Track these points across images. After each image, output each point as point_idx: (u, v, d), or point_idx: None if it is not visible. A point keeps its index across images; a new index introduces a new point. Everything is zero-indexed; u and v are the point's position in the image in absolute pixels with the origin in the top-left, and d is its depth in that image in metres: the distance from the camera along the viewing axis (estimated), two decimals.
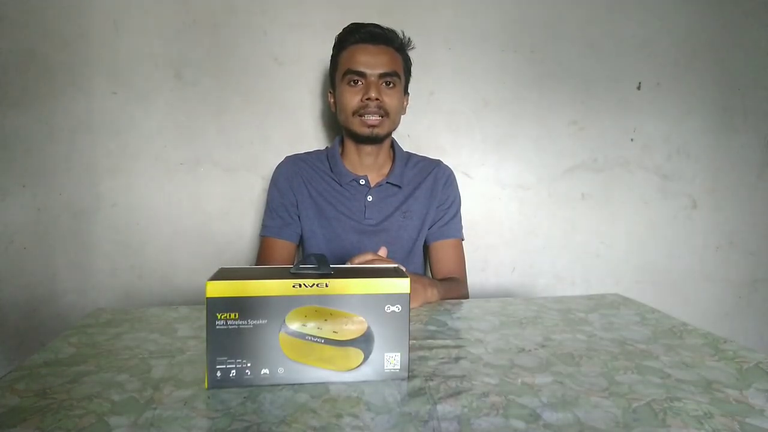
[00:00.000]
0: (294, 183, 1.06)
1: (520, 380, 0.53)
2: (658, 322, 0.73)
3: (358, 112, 0.99)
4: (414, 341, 0.64)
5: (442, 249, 1.08)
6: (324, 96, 1.28)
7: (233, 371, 0.50)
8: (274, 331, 0.50)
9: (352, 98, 0.99)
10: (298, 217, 1.07)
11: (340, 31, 1.03)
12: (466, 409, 0.46)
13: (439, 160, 1.14)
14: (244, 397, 0.48)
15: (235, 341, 0.50)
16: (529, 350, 0.62)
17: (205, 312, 0.49)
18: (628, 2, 1.37)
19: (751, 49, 1.43)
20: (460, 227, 1.11)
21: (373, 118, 0.99)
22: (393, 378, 0.52)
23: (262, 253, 1.06)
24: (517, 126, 1.36)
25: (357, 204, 1.05)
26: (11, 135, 1.17)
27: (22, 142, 1.18)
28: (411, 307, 0.71)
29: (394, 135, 1.12)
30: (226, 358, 0.50)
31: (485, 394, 0.49)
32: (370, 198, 1.05)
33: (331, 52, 1.06)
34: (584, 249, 1.43)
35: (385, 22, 1.02)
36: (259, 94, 1.25)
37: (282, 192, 1.06)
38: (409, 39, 1.05)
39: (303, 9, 1.24)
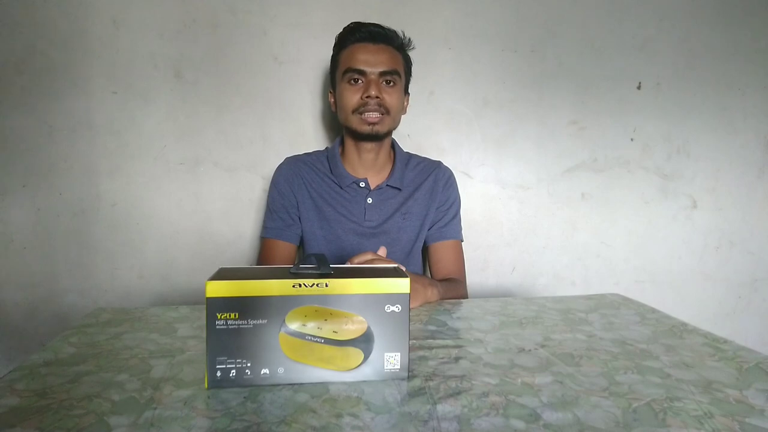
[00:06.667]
0: (294, 184, 1.06)
1: (520, 380, 0.53)
2: (658, 322, 0.73)
3: (358, 110, 0.99)
4: (414, 341, 0.64)
5: (441, 250, 1.08)
6: (324, 96, 1.28)
7: (233, 371, 0.50)
8: (274, 331, 0.50)
9: (352, 96, 0.99)
10: (299, 218, 1.07)
11: (341, 30, 1.03)
12: (466, 409, 0.46)
13: (439, 162, 1.14)
14: (244, 397, 0.48)
15: (235, 341, 0.50)
16: (529, 350, 0.62)
17: (205, 312, 0.49)
18: (628, 2, 1.36)
19: (751, 49, 1.43)
20: (460, 228, 1.11)
21: (373, 116, 0.99)
22: (393, 378, 0.52)
23: (263, 255, 1.07)
24: (517, 126, 1.36)
25: (357, 206, 1.05)
26: (11, 135, 1.17)
27: (22, 142, 1.18)
28: (411, 307, 0.72)
29: (394, 135, 1.12)
30: (226, 358, 0.50)
31: (485, 394, 0.49)
32: (370, 200, 1.05)
33: (331, 52, 1.06)
34: (584, 249, 1.43)
35: (385, 22, 1.02)
36: (259, 94, 1.25)
37: (282, 193, 1.06)
38: (409, 39, 1.05)
39: (303, 9, 1.24)
